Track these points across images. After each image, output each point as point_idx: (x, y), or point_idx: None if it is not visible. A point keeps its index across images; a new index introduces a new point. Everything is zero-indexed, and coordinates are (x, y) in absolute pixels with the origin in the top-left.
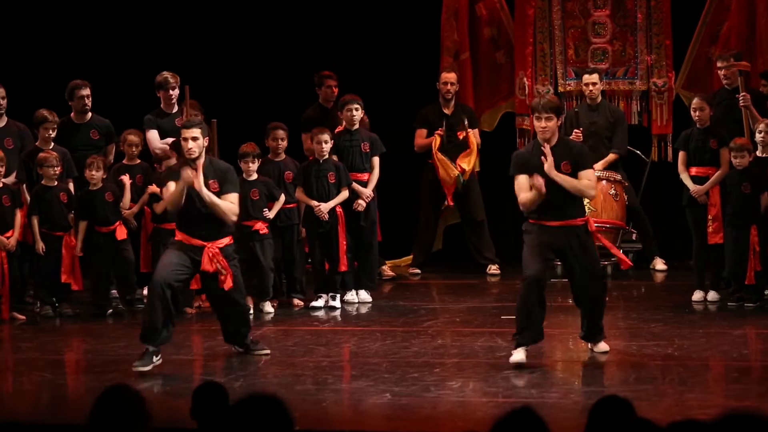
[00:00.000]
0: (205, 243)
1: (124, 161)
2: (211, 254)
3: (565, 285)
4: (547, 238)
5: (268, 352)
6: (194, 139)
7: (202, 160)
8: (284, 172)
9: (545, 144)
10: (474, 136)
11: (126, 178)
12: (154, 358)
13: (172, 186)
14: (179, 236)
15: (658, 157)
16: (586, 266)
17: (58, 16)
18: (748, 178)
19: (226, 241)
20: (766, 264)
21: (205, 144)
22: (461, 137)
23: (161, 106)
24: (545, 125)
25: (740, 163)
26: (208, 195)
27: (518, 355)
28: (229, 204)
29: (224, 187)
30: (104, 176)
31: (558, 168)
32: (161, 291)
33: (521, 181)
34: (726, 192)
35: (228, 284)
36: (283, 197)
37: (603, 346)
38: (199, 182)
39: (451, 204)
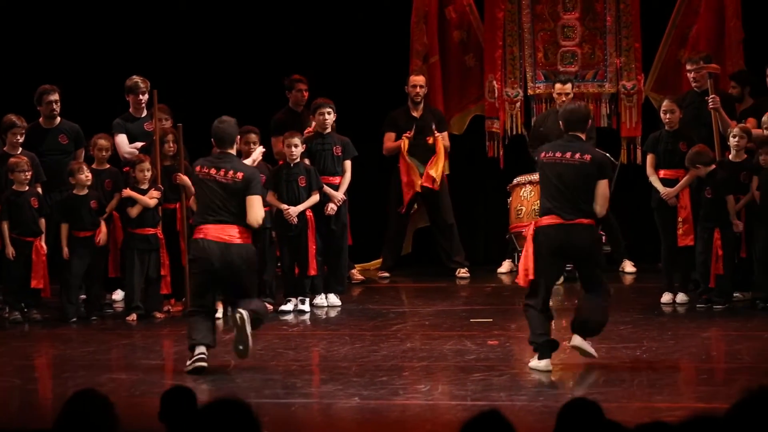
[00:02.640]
0: None
1: (94, 165)
2: None
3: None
4: None
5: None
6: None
7: None
8: None
9: None
10: (443, 140)
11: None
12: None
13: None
14: None
15: (627, 160)
16: None
17: (26, 20)
18: (710, 182)
19: None
20: (732, 267)
21: None
22: (431, 142)
23: (130, 110)
24: None
25: (699, 173)
26: None
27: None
28: None
29: None
30: (91, 183)
31: None
32: None
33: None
34: (695, 194)
35: None
36: None
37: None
38: None
39: (403, 212)
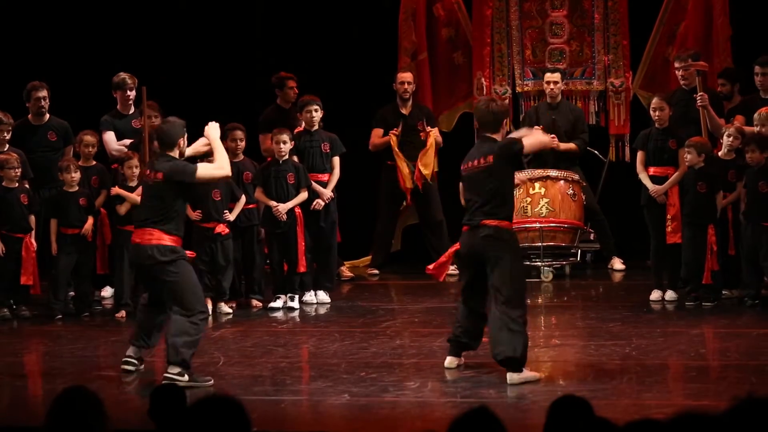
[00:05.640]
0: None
1: (80, 162)
2: None
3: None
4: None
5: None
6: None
7: None
8: (243, 172)
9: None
10: (436, 135)
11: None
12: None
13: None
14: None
15: (615, 157)
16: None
17: (14, 17)
18: (703, 177)
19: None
20: (722, 264)
21: None
22: (423, 137)
23: (117, 107)
24: None
25: (690, 161)
26: None
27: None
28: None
29: None
30: (80, 180)
31: None
32: None
33: None
34: (684, 192)
35: None
36: (243, 198)
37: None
38: None
39: (410, 203)
